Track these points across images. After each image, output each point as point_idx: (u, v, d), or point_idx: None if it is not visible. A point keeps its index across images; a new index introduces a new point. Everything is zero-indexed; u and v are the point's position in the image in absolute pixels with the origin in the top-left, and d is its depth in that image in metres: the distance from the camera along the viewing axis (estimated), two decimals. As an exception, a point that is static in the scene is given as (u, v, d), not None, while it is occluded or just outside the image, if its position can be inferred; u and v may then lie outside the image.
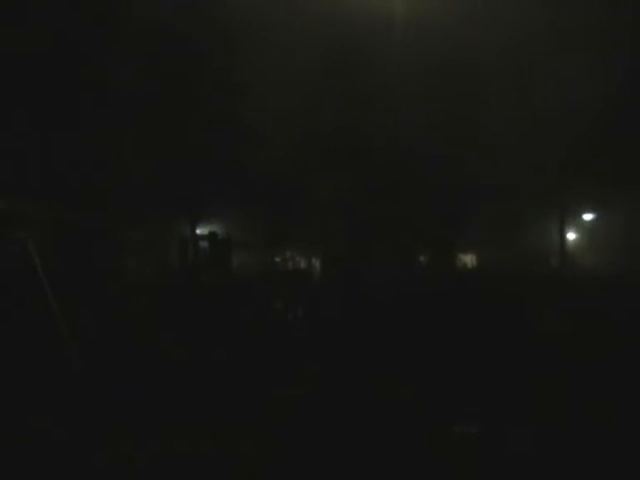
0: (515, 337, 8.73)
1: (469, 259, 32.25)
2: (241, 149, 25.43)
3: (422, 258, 29.24)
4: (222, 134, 25.34)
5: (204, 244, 17.22)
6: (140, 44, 23.57)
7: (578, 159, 27.07)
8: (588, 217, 33.34)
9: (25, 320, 8.14)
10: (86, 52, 21.65)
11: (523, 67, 26.71)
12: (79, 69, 21.98)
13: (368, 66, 26.02)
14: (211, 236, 17.08)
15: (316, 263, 28.66)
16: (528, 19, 24.48)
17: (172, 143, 24.46)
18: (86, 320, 8.95)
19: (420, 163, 25.30)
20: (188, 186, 24.90)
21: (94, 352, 8.61)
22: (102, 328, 9.32)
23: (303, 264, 29.39)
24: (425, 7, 19.58)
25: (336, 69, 27.19)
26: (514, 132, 26.80)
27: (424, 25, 19.47)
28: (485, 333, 8.87)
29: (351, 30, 25.23)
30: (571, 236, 34.12)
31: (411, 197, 24.44)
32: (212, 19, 25.07)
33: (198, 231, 25.45)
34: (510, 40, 24.62)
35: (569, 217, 32.60)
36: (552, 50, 26.03)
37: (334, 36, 26.33)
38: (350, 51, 26.62)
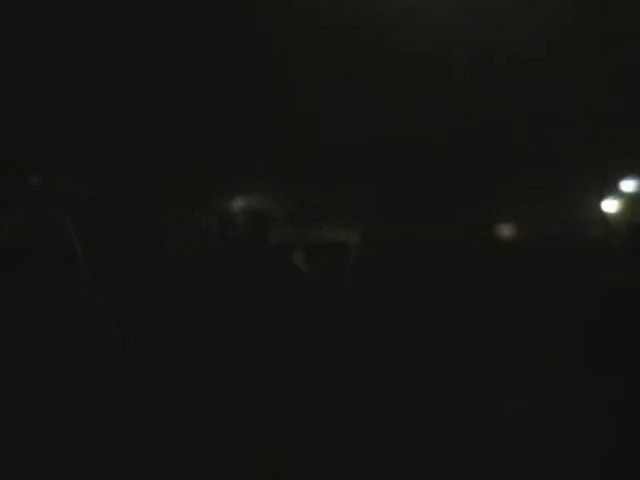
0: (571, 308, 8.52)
1: (507, 229, 31.73)
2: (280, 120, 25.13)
3: (456, 229, 28.75)
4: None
5: (243, 218, 17.12)
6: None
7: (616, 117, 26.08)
8: (629, 184, 32.50)
9: (67, 309, 7.77)
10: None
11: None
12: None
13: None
14: (250, 210, 16.96)
15: (355, 235, 28.44)
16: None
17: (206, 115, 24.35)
18: (133, 310, 8.61)
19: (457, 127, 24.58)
20: (224, 158, 24.82)
21: (141, 341, 8.33)
22: (149, 317, 9.07)
23: (342, 236, 29.19)
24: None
25: None
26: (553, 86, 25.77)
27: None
28: (536, 305, 8.69)
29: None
30: (611, 204, 33.24)
31: (449, 164, 23.97)
32: None
33: (236, 204, 25.36)
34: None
35: (609, 184, 31.73)
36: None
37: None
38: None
